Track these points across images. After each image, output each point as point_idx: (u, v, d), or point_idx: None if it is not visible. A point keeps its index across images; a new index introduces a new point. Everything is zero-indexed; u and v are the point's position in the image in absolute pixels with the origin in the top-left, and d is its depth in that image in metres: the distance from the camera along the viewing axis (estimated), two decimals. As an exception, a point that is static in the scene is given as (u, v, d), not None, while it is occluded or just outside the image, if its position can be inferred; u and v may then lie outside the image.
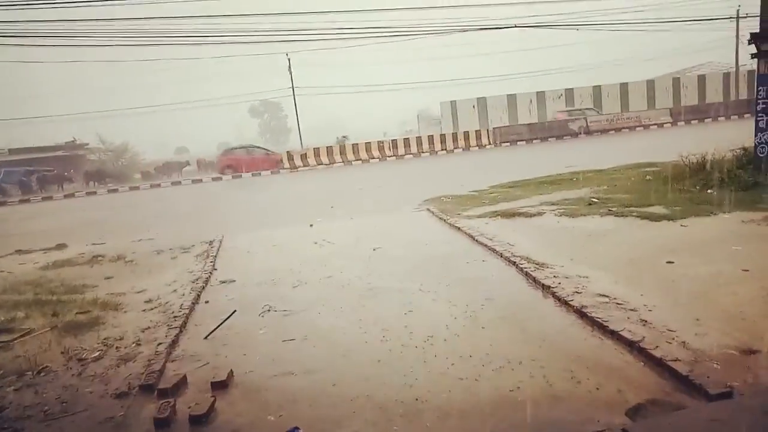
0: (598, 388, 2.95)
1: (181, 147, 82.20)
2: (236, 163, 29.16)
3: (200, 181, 28.96)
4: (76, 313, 5.24)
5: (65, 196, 27.81)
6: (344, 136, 36.75)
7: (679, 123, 33.04)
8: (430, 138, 30.68)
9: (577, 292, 4.43)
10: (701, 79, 42.59)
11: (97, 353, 4.18)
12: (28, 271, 7.63)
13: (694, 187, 8.63)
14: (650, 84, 42.34)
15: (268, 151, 31.26)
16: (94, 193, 28.24)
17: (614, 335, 3.53)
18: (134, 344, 4.33)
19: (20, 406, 3.36)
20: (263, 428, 2.92)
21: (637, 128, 32.49)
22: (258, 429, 2.92)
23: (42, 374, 3.85)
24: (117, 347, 4.30)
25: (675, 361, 3.04)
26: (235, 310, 4.82)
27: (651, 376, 3.03)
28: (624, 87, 41.93)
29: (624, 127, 32.62)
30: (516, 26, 24.63)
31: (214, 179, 28.67)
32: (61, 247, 9.61)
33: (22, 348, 4.39)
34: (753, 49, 8.63)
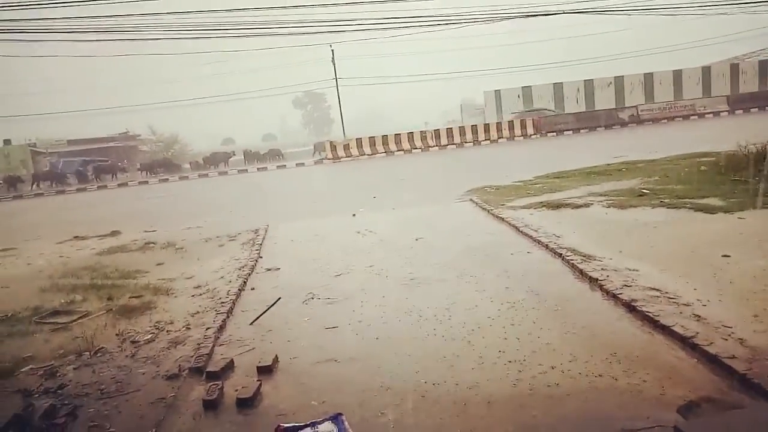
0: (648, 384, 2.86)
1: (228, 138, 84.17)
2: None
3: (245, 171, 29.59)
4: (130, 297, 5.46)
5: (119, 185, 28.98)
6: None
7: (737, 111, 31.46)
8: (474, 128, 30.32)
9: (626, 285, 4.30)
10: (762, 64, 40.36)
11: (149, 336, 4.34)
12: (85, 257, 7.99)
13: (753, 178, 8.20)
14: (706, 71, 40.43)
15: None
16: (146, 182, 29.30)
17: (666, 330, 3.41)
18: (184, 328, 4.47)
19: (79, 384, 3.53)
20: (307, 413, 2.97)
21: (692, 117, 31.18)
22: (302, 414, 2.97)
23: (98, 355, 4.04)
24: (168, 330, 4.45)
25: (731, 358, 2.91)
26: (279, 298, 4.91)
27: (705, 374, 2.91)
28: (678, 74, 40.21)
29: (677, 116, 31.34)
30: (564, 12, 23.92)
31: (259, 169, 29.24)
32: (115, 234, 10.02)
33: (80, 329, 4.60)
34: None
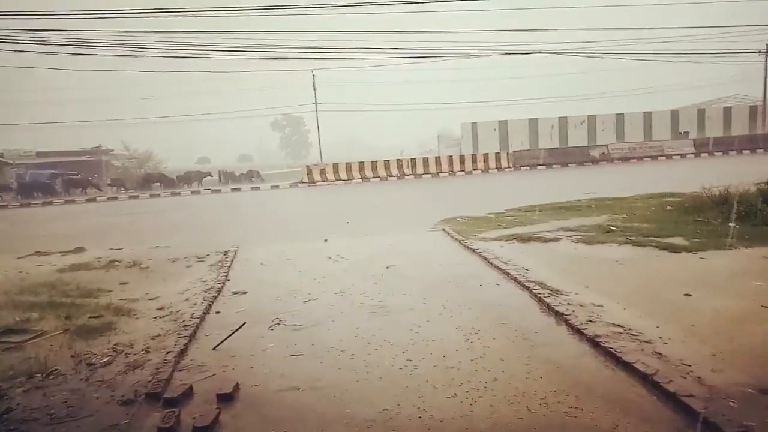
0: (607, 420, 2.87)
1: (203, 157, 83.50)
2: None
3: (219, 191, 29.29)
4: (89, 317, 5.28)
5: (87, 200, 28.34)
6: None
7: (702, 154, 32.68)
8: (450, 158, 30.77)
9: (590, 320, 4.35)
10: (727, 111, 42.18)
11: (107, 358, 4.20)
12: (45, 273, 7.74)
13: (715, 220, 8.48)
14: (674, 114, 42.03)
15: None
16: (116, 198, 28.72)
17: (627, 367, 3.45)
18: (143, 351, 4.34)
19: (27, 408, 3.38)
20: (266, 443, 2.89)
21: (660, 158, 32.22)
22: (260, 444, 2.90)
23: (51, 377, 3.88)
24: (126, 353, 4.31)
25: (689, 396, 2.95)
26: (244, 323, 4.82)
27: (664, 411, 2.94)
28: (648, 116, 41.68)
29: (646, 156, 32.37)
30: (540, 52, 24.69)
31: (233, 190, 28.99)
32: (79, 250, 9.75)
33: (34, 350, 4.42)
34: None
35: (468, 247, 7.89)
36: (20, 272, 7.93)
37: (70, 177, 35.04)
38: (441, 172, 29.82)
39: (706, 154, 32.66)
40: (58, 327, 4.99)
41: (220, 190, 30.06)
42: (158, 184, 34.83)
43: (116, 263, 8.21)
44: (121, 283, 6.85)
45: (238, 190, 29.61)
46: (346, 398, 3.34)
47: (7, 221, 19.53)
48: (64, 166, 39.23)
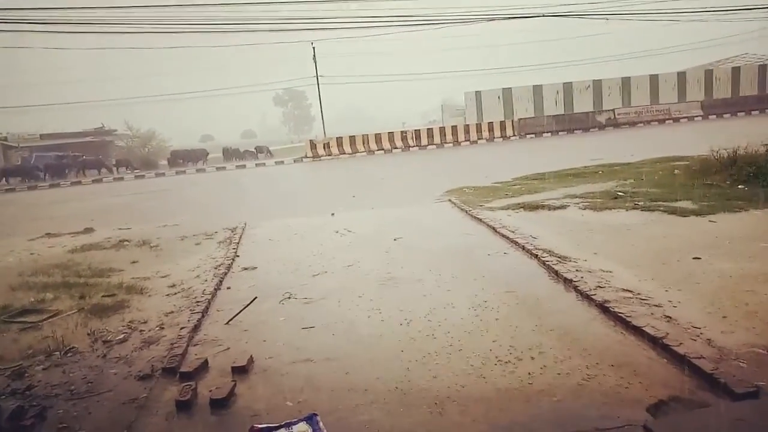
0: (618, 384, 2.91)
1: (206, 135, 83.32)
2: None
3: (224, 168, 29.29)
4: (102, 296, 5.36)
5: (93, 181, 28.43)
6: None
7: (710, 116, 32.21)
8: (454, 128, 30.49)
9: (599, 286, 4.37)
10: (735, 71, 41.26)
11: (122, 336, 4.27)
12: (57, 254, 7.82)
13: (724, 182, 8.41)
14: (681, 76, 41.22)
15: None
16: (122, 178, 28.80)
17: (637, 331, 3.47)
18: (158, 328, 4.41)
19: (48, 384, 3.46)
20: (282, 413, 2.95)
21: (667, 121, 31.82)
22: (276, 414, 2.95)
23: (69, 354, 3.95)
24: (141, 330, 4.38)
25: (699, 358, 2.97)
26: (255, 297, 4.87)
27: (674, 373, 2.97)
28: (654, 79, 40.92)
29: (653, 120, 31.98)
30: (544, 15, 24.17)
31: (238, 167, 28.98)
32: (88, 231, 9.83)
33: (50, 329, 4.50)
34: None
35: (475, 217, 7.89)
36: (32, 254, 8.02)
37: (82, 159, 35.07)
38: (446, 142, 29.61)
39: (715, 116, 32.18)
40: (72, 306, 5.08)
41: (225, 167, 30.04)
42: (122, 166, 34.61)
43: (126, 243, 8.28)
44: (132, 262, 6.92)
45: (243, 166, 29.59)
46: (359, 369, 3.39)
47: (15, 204, 19.66)
48: (68, 148, 39.25)
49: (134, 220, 10.81)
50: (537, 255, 5.50)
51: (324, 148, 28.84)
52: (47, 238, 9.54)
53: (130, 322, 4.60)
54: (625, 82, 40.87)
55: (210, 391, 3.18)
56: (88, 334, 4.35)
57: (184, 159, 35.80)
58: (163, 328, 4.41)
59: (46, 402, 3.20)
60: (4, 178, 30.91)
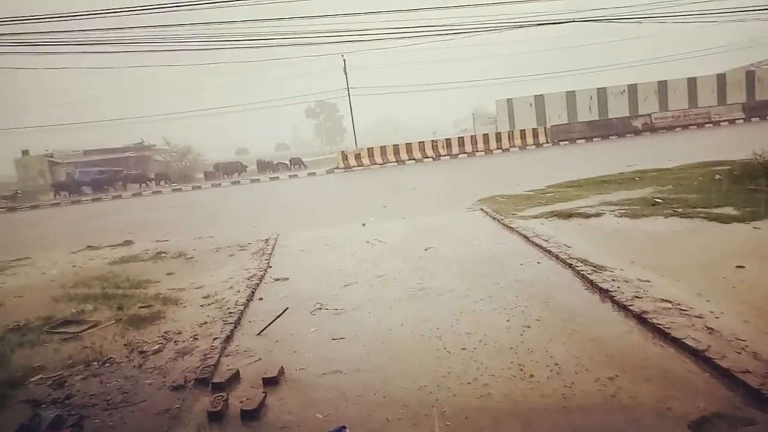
0: (658, 399, 2.80)
1: (242, 148, 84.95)
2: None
3: (258, 180, 29.77)
4: (139, 307, 5.49)
5: (133, 195, 29.29)
6: None
7: (753, 119, 31.08)
8: (485, 137, 30.27)
9: (637, 296, 4.23)
10: (778, 71, 39.81)
11: (157, 346, 4.36)
12: (98, 266, 8.06)
13: (768, 187, 8.07)
14: (721, 78, 39.96)
15: None
16: (160, 192, 29.59)
17: (677, 343, 3.35)
18: (192, 338, 4.48)
19: (86, 394, 3.55)
20: (311, 426, 2.95)
21: (707, 125, 30.85)
22: (306, 426, 2.95)
23: (106, 365, 4.05)
24: (175, 341, 4.46)
25: (744, 372, 2.84)
26: (287, 308, 4.91)
27: (717, 388, 2.84)
28: (692, 82, 39.79)
29: (692, 124, 31.06)
30: (574, 21, 23.84)
31: (271, 179, 29.42)
32: (127, 243, 10.11)
33: (90, 339, 4.63)
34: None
35: (507, 226, 7.78)
36: (74, 266, 8.29)
37: (123, 173, 36.32)
38: (477, 151, 29.42)
39: (758, 119, 31.02)
40: (111, 317, 5.21)
41: (258, 179, 30.54)
42: (160, 180, 35.73)
43: (163, 254, 8.47)
44: (168, 274, 7.07)
45: (276, 178, 30.03)
46: (388, 381, 3.36)
47: (59, 218, 20.40)
48: (110, 163, 40.68)
49: (171, 232, 11.07)
50: (571, 264, 5.37)
51: (355, 158, 29.03)
52: (88, 250, 9.85)
53: (165, 332, 4.69)
54: (662, 86, 39.87)
55: (241, 402, 3.20)
56: (125, 345, 4.46)
57: (225, 171, 36.63)
58: (196, 338, 4.48)
59: (83, 411, 3.28)
60: (52, 193, 32.22)
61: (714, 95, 38.95)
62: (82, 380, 3.80)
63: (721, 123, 30.92)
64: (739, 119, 31.30)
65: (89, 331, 4.88)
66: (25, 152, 42.63)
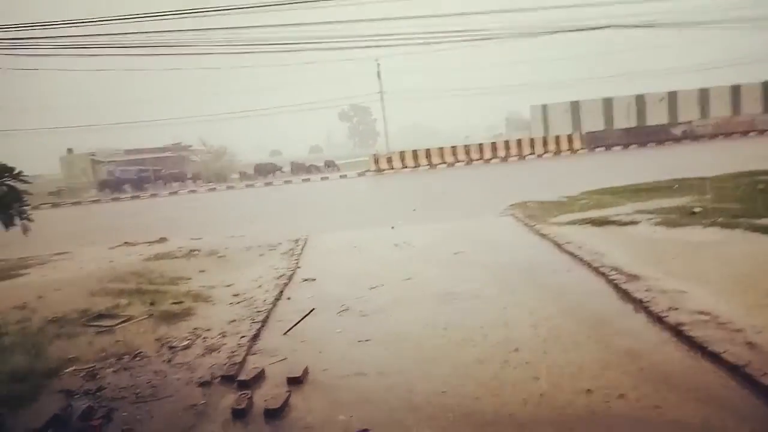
0: (694, 415, 2.69)
1: (275, 150, 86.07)
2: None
3: (290, 182, 30.10)
4: (171, 303, 5.60)
5: (170, 194, 29.99)
6: None
7: (801, 127, 29.84)
8: (519, 142, 29.90)
9: (672, 308, 4.09)
10: (830, 78, 38.12)
11: (186, 342, 4.43)
12: (133, 262, 8.26)
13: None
14: (766, 86, 38.50)
15: None
16: (195, 191, 30.21)
17: (714, 357, 3.21)
18: (220, 335, 4.54)
19: (116, 386, 3.63)
20: (334, 427, 2.94)
21: (750, 133, 29.75)
22: (328, 427, 2.95)
23: (137, 359, 4.14)
24: (204, 337, 4.53)
25: (786, 390, 2.70)
26: (313, 309, 4.93)
27: (758, 406, 2.71)
28: (735, 89, 38.48)
29: (734, 132, 29.99)
30: (611, 26, 23.37)
31: (304, 180, 29.71)
32: (162, 240, 10.34)
33: (122, 333, 4.74)
34: None
35: (538, 233, 7.65)
36: (111, 262, 8.52)
37: (154, 172, 37.30)
38: (510, 156, 29.08)
39: (806, 128, 29.77)
40: (143, 312, 5.33)
41: (291, 181, 30.88)
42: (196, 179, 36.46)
43: (196, 252, 8.63)
44: (200, 271, 7.19)
45: (308, 180, 30.31)
46: (411, 385, 3.33)
47: (99, 215, 21.04)
48: (149, 163, 41.81)
49: (205, 231, 11.27)
50: (604, 273, 5.24)
51: (387, 162, 29.05)
52: (125, 246, 10.12)
53: (195, 329, 4.77)
54: (703, 93, 38.68)
55: (265, 401, 3.22)
56: (156, 340, 4.55)
57: (259, 172, 37.19)
58: (225, 336, 4.53)
59: (113, 404, 3.36)
60: (94, 190, 33.34)
61: (759, 104, 37.56)
62: (113, 373, 3.89)
63: (766, 132, 29.77)
64: (785, 128, 30.10)
65: (122, 325, 5.00)
66: (69, 151, 44.18)
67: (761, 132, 29.79)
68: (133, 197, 29.97)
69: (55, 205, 29.00)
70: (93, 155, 43.88)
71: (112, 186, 34.69)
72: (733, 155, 17.51)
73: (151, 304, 5.61)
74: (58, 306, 5.72)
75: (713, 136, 29.82)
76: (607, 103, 39.53)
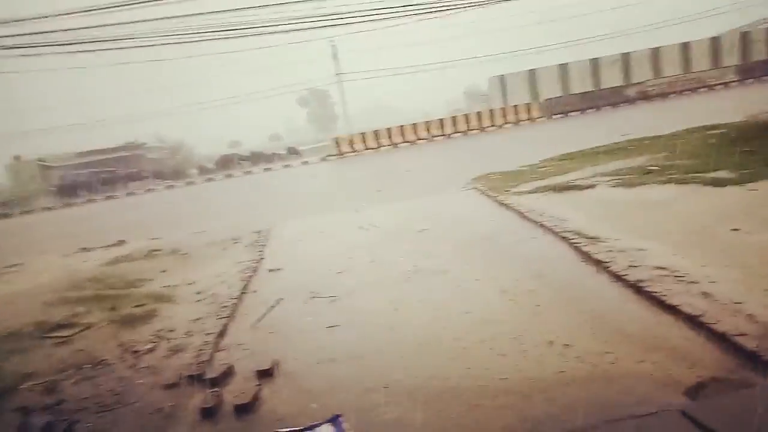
0: (654, 367, 2.75)
1: (234, 141, 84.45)
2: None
3: (250, 172, 29.62)
4: (133, 306, 5.43)
5: (127, 194, 29.15)
6: None
7: (747, 81, 30.85)
8: (478, 115, 30.05)
9: (632, 266, 4.17)
10: (772, 31, 39.36)
11: (150, 345, 4.30)
12: (91, 268, 7.99)
13: (764, 148, 7.98)
14: (715, 42, 39.53)
15: None
16: (154, 189, 29.43)
17: (673, 310, 3.29)
18: (185, 335, 4.42)
19: (78, 398, 3.50)
20: (307, 416, 2.90)
21: (701, 89, 30.62)
22: (302, 417, 2.90)
23: (99, 367, 4.00)
24: (169, 339, 4.40)
25: (741, 335, 2.78)
26: (281, 299, 4.85)
27: (714, 353, 2.79)
28: (685, 47, 39.39)
29: (686, 90, 30.82)
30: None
31: (265, 170, 29.28)
32: (121, 243, 10.03)
33: (82, 342, 4.58)
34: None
35: (502, 203, 7.71)
36: (67, 269, 8.21)
37: (108, 173, 36.14)
38: (470, 129, 29.21)
39: (752, 80, 30.79)
40: (103, 319, 5.15)
41: (251, 171, 30.37)
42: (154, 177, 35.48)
43: (156, 252, 8.40)
44: (161, 271, 7.00)
45: (270, 169, 29.86)
46: (383, 367, 3.32)
47: (52, 222, 20.29)
48: (102, 164, 40.46)
49: (165, 230, 10.99)
50: (566, 237, 5.31)
51: (349, 144, 28.83)
52: (81, 252, 9.77)
53: (158, 330, 4.63)
54: (655, 53, 39.47)
55: (235, 396, 3.15)
56: (118, 345, 4.40)
57: (222, 165, 36.40)
58: (190, 335, 4.42)
59: (75, 416, 3.23)
60: (47, 197, 32.11)
61: (708, 59, 38.59)
62: (73, 384, 3.75)
63: (716, 87, 30.67)
64: (733, 82, 31.07)
65: (81, 333, 4.83)
66: (16, 158, 42.33)
67: (711, 87, 30.67)
68: (88, 201, 29.00)
69: (4, 216, 27.87)
70: (42, 161, 42.18)
71: (65, 191, 33.50)
72: (685, 112, 17.98)
73: (112, 309, 5.42)
74: (12, 320, 5.48)
75: (666, 94, 30.58)
76: (563, 69, 39.94)
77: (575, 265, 4.63)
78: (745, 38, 39.27)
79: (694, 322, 3.07)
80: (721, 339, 2.83)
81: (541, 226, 6.02)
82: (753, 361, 2.59)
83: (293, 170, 26.55)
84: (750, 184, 6.20)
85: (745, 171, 6.81)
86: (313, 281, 5.42)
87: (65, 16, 17.56)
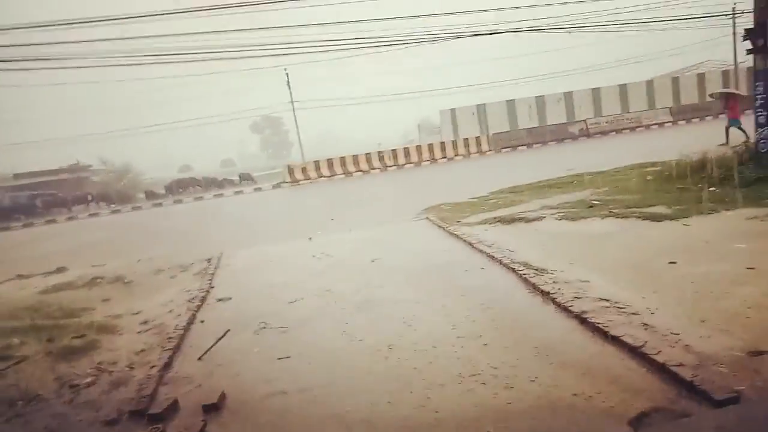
0: (598, 397, 2.84)
1: (185, 165, 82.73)
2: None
3: (201, 198, 29.01)
4: (72, 337, 5.16)
5: (68, 219, 27.91)
6: None
7: (679, 122, 33.01)
8: (430, 146, 30.71)
9: (577, 297, 4.33)
10: (700, 77, 42.48)
11: (90, 378, 4.10)
12: (27, 296, 7.57)
13: (696, 186, 8.51)
14: (650, 84, 42.26)
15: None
16: (97, 214, 28.32)
17: (615, 340, 3.43)
18: (127, 368, 4.24)
19: (8, 437, 3.28)
20: (255, 451, 2.83)
21: (638, 128, 32.49)
22: (250, 452, 2.83)
23: (33, 403, 3.77)
24: (110, 372, 4.21)
25: (679, 365, 2.93)
26: (228, 330, 4.74)
27: (654, 383, 2.92)
28: (623, 88, 41.87)
29: (624, 128, 32.63)
30: (509, 31, 24.63)
31: (216, 196, 28.74)
32: (61, 270, 9.56)
33: (16, 376, 4.31)
34: (749, 45, 8.58)
35: (452, 234, 7.85)
36: (0, 298, 7.75)
37: (48, 197, 34.49)
38: (423, 160, 29.78)
39: (684, 122, 32.99)
40: (40, 350, 4.87)
41: (202, 197, 29.76)
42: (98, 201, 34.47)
43: (99, 280, 8.05)
44: (103, 300, 6.72)
45: (221, 195, 29.34)
46: (334, 399, 3.28)
47: (-14, 247, 19.13)
48: (42, 186, 38.63)
49: (109, 257, 10.56)
50: (514, 268, 5.45)
51: (302, 172, 28.76)
52: (18, 280, 9.25)
53: (99, 363, 4.42)
54: (596, 93, 41.74)
55: (179, 432, 3.04)
56: (55, 379, 4.17)
57: (178, 188, 35.48)
58: (133, 368, 4.24)
59: (4, 456, 3.03)
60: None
61: (644, 101, 41.11)
62: (5, 423, 3.52)
63: (651, 126, 32.62)
64: (667, 122, 33.14)
65: (15, 366, 4.54)
66: (-53, 178, 39.97)
67: (647, 127, 32.58)
68: (25, 225, 27.56)
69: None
70: (-27, 183, 39.97)
71: (1, 215, 31.72)
72: (624, 150, 18.95)
73: (49, 340, 5.13)
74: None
75: (606, 132, 32.23)
76: (511, 104, 41.60)
77: (523, 296, 4.76)
78: (675, 83, 42.15)
79: (635, 352, 3.20)
80: (662, 369, 2.96)
81: (491, 257, 6.17)
82: (691, 391, 2.72)
83: (245, 197, 26.20)
84: (684, 219, 6.59)
85: (679, 207, 7.23)
86: (263, 311, 5.32)
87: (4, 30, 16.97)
